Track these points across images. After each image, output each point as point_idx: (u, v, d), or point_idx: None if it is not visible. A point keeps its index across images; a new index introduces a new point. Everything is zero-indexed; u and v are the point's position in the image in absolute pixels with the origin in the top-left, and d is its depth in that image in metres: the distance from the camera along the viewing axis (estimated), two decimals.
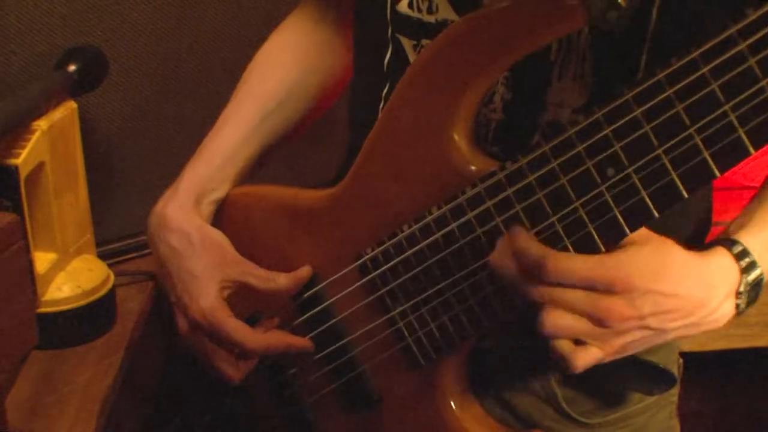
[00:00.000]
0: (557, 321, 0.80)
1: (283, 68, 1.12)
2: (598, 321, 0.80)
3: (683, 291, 0.80)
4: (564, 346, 0.81)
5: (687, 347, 1.69)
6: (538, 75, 0.91)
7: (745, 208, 0.90)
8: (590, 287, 0.79)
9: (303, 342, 1.01)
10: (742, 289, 0.83)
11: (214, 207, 1.07)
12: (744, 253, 0.83)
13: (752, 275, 0.83)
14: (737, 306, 0.84)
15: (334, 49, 1.13)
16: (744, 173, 1.75)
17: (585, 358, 0.82)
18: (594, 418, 1.04)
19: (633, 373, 1.00)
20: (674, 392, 1.10)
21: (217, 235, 1.03)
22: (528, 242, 0.80)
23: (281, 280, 1.00)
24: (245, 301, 1.02)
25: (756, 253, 0.83)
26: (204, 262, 1.01)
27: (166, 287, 1.05)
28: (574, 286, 0.79)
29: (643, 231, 0.81)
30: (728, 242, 0.84)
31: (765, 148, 0.75)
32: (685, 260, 0.81)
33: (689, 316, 0.82)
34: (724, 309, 0.83)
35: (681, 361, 1.11)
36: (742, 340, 1.73)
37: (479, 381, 1.02)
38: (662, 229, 0.81)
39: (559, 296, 0.80)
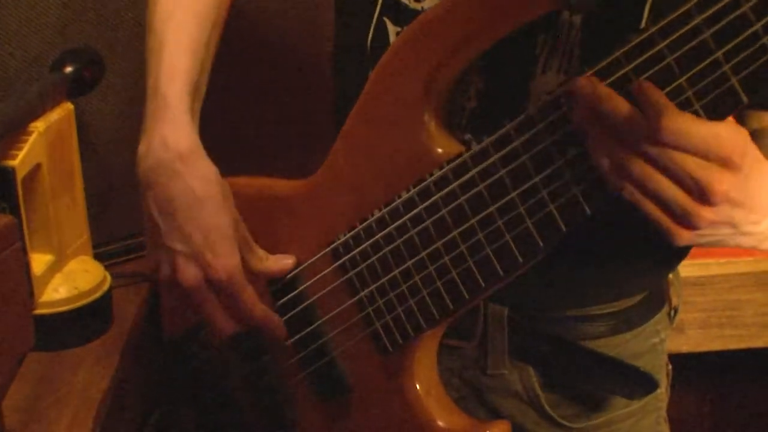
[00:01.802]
0: (663, 189, 0.74)
1: None
2: (701, 194, 0.73)
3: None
4: (666, 219, 0.76)
5: (685, 348, 1.69)
6: (522, 67, 0.91)
7: None
8: (704, 156, 0.73)
9: (282, 329, 1.01)
10: None
11: None
12: None
13: None
14: None
15: None
16: None
17: (684, 234, 0.76)
18: (577, 422, 1.04)
19: (613, 376, 1.00)
20: (662, 398, 1.09)
21: (230, 190, 1.00)
22: (654, 91, 0.73)
23: (269, 264, 1.00)
24: None
25: None
26: (228, 220, 0.96)
27: (165, 231, 0.96)
28: (686, 151, 0.73)
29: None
30: None
31: None
32: None
33: (760, 223, 0.78)
34: None
35: (670, 367, 1.11)
36: (739, 341, 1.73)
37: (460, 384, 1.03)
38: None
39: (670, 158, 0.73)
